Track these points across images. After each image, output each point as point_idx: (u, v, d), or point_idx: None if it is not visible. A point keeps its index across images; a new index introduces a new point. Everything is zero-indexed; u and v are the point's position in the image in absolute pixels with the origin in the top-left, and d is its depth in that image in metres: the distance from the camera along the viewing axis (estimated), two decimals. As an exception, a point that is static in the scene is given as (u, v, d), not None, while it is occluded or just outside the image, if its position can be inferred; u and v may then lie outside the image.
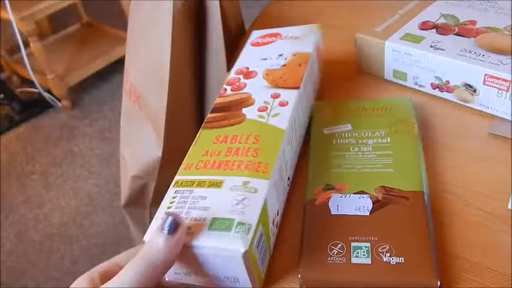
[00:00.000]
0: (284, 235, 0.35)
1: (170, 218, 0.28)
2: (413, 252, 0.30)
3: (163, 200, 0.32)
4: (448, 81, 0.44)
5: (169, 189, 0.33)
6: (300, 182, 0.38)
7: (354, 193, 0.35)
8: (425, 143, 0.41)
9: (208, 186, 0.32)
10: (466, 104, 0.44)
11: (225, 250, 0.28)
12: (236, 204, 0.30)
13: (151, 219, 0.76)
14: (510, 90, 0.40)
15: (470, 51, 0.43)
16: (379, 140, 0.39)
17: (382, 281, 0.30)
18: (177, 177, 0.34)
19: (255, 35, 0.49)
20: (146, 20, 0.58)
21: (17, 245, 1.31)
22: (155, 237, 0.28)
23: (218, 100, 0.40)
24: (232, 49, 0.60)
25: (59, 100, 1.75)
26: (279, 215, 0.35)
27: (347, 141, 0.39)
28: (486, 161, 0.38)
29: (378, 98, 0.45)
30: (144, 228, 0.73)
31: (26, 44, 1.61)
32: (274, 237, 0.34)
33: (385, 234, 0.32)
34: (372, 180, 0.36)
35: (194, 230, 0.29)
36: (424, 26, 0.47)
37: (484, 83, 0.41)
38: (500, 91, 0.40)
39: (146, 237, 0.30)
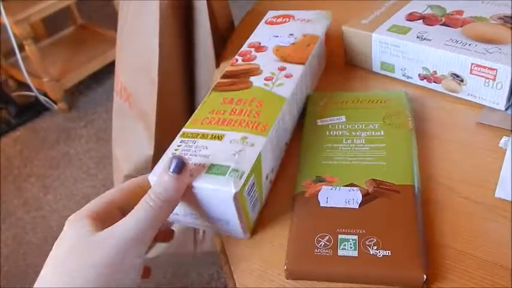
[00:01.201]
0: (272, 228, 0.35)
1: (176, 159, 0.30)
2: (401, 246, 0.30)
3: (169, 147, 0.35)
4: (435, 72, 0.44)
5: (175, 139, 0.36)
6: (290, 173, 0.38)
7: (344, 185, 0.34)
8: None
9: (211, 139, 0.35)
10: (454, 94, 0.44)
11: (218, 191, 0.31)
12: (233, 154, 0.33)
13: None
14: (497, 79, 0.39)
15: (456, 41, 0.42)
16: (373, 133, 0.38)
17: (367, 274, 0.29)
18: (183, 129, 0.37)
19: (270, 14, 0.52)
20: (134, 19, 0.58)
21: (15, 249, 1.30)
22: (162, 176, 0.30)
23: (229, 68, 0.44)
24: (222, 46, 0.60)
25: (55, 103, 1.75)
26: (274, 173, 0.38)
27: (340, 133, 0.39)
28: (474, 151, 0.38)
29: (373, 91, 0.44)
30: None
31: (21, 48, 1.61)
32: (267, 191, 0.37)
33: (373, 227, 0.31)
34: (364, 172, 0.35)
35: (194, 173, 0.32)
36: (411, 17, 0.47)
37: (471, 72, 0.41)
38: (487, 80, 0.40)
39: (151, 177, 0.32)
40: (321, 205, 0.34)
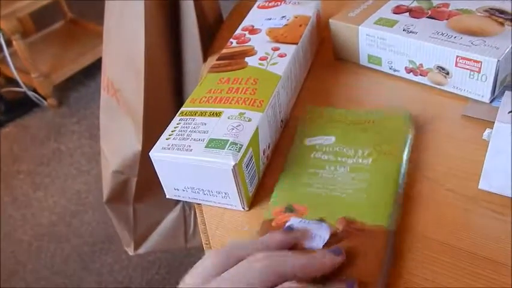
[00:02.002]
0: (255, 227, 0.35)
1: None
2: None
3: (168, 126, 0.36)
4: (421, 65, 0.44)
5: (174, 118, 0.37)
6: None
7: (314, 220, 0.31)
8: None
9: (209, 116, 0.36)
10: (440, 87, 0.44)
11: (217, 163, 0.32)
12: (231, 129, 0.35)
13: (134, 215, 0.76)
14: (481, 71, 0.40)
15: (442, 34, 0.42)
16: (360, 161, 0.35)
17: None
18: (182, 109, 0.38)
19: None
20: (120, 13, 0.57)
21: (6, 246, 1.29)
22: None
23: (224, 50, 0.45)
24: (210, 38, 0.60)
25: (45, 99, 1.73)
26: (270, 149, 0.39)
27: (326, 157, 0.36)
28: (459, 143, 0.38)
29: (373, 109, 0.40)
30: (127, 225, 0.72)
31: (9, 43, 1.59)
32: (264, 166, 0.38)
33: (332, 276, 0.28)
34: (338, 206, 0.32)
35: (193, 147, 0.33)
36: (398, 10, 0.47)
37: (456, 65, 0.41)
38: (472, 72, 0.40)
39: (152, 154, 0.34)
40: None
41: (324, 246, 0.29)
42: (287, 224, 0.32)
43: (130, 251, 0.75)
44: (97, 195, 1.41)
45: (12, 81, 1.75)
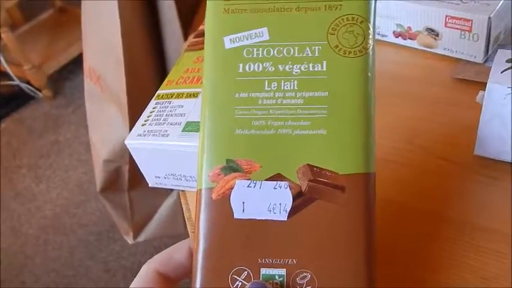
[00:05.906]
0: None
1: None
2: (345, 282, 0.21)
3: (144, 111, 0.35)
4: (409, 28, 0.41)
5: (150, 102, 0.36)
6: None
7: (268, 179, 0.22)
8: (388, 94, 0.39)
9: (186, 97, 0.35)
10: (430, 50, 0.42)
11: (195, 148, 0.31)
12: None
13: (130, 202, 0.75)
14: (473, 30, 0.37)
15: (430, -7, 0.40)
16: (310, 66, 0.23)
17: None
18: (158, 91, 0.36)
19: None
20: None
21: (13, 241, 1.30)
22: None
23: (201, 27, 0.42)
24: (191, 18, 0.57)
25: (39, 90, 1.71)
26: None
27: (261, 67, 0.23)
28: (451, 107, 0.37)
29: None
30: (124, 213, 0.72)
31: (-2, 36, 1.57)
32: None
33: (306, 254, 0.21)
34: (294, 151, 0.22)
35: (170, 132, 0.32)
36: (382, -30, 0.44)
37: (445, 25, 0.39)
38: (463, 32, 0.38)
39: (127, 141, 0.33)
40: (235, 216, 0.22)
41: (288, 216, 0.21)
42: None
43: (130, 240, 0.74)
44: (99, 184, 1.41)
45: (4, 75, 1.73)
